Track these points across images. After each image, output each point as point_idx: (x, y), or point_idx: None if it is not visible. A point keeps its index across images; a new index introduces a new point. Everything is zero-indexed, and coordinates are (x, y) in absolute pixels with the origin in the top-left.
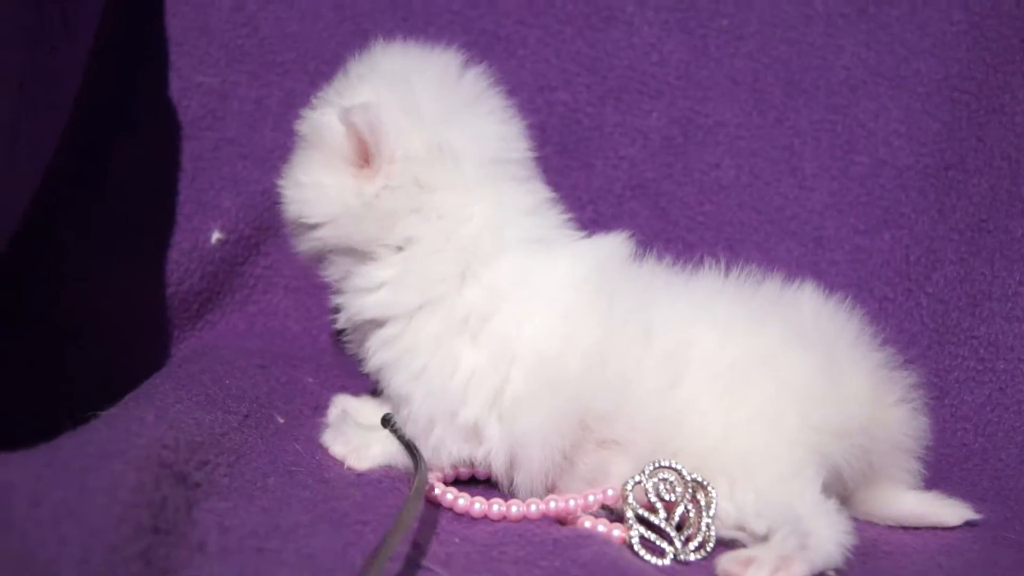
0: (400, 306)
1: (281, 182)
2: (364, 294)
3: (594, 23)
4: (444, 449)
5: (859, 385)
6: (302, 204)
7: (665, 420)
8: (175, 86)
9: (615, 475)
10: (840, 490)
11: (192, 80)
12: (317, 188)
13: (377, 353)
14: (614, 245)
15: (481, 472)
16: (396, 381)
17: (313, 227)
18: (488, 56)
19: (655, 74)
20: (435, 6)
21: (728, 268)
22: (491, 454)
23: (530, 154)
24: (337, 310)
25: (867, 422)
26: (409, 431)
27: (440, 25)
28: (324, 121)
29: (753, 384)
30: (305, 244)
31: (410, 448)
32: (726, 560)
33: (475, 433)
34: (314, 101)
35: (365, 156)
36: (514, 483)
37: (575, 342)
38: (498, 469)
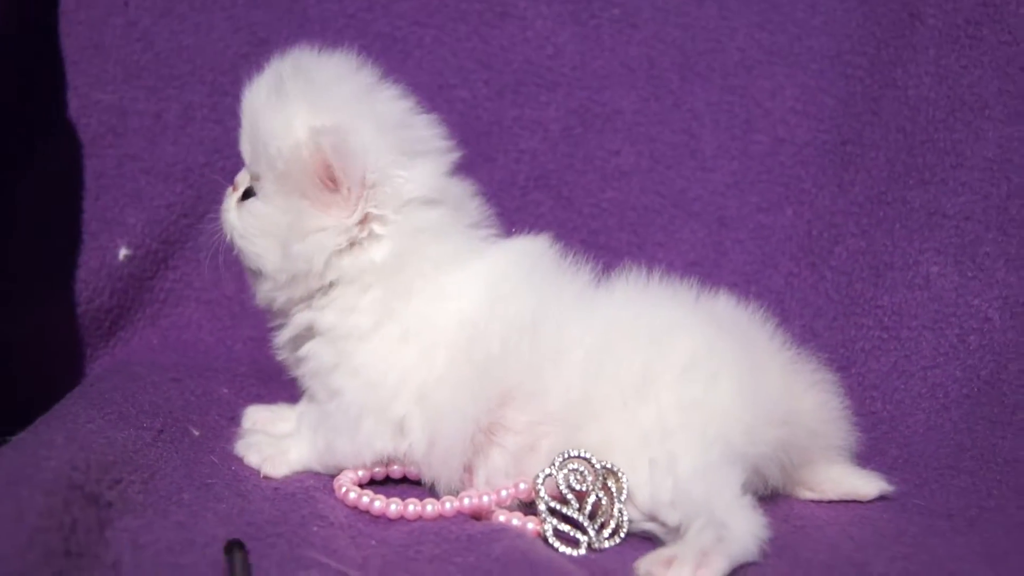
0: (366, 323)
1: (234, 227)
2: (328, 312)
3: (488, 20)
4: (370, 446)
5: (777, 380)
6: (267, 257)
7: (595, 400)
8: (74, 105)
9: (544, 453)
10: (760, 487)
11: (91, 98)
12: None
13: (317, 354)
14: (541, 241)
15: (396, 471)
16: (332, 376)
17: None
18: (386, 58)
19: (551, 67)
20: (329, 11)
21: (648, 274)
22: (413, 445)
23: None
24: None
25: (786, 415)
26: (335, 422)
27: (336, 29)
28: (283, 149)
29: (684, 371)
30: (273, 294)
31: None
32: (647, 562)
33: (400, 427)
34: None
35: (331, 182)
36: (431, 464)
37: (501, 309)
38: (419, 459)
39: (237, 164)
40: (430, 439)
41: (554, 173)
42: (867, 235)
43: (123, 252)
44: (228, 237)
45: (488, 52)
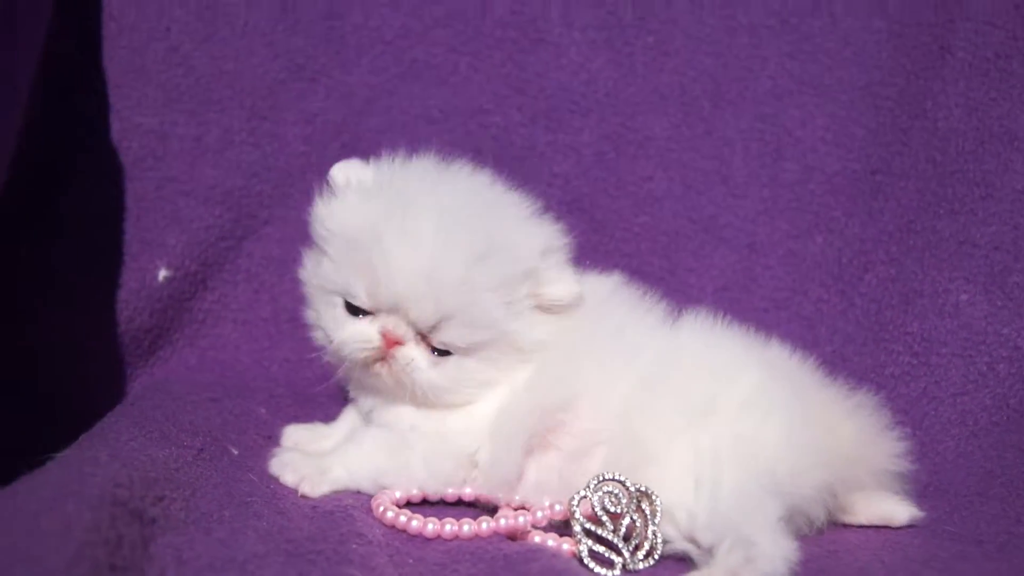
0: None
1: (432, 383)
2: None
3: (523, 46)
4: (444, 479)
5: (826, 423)
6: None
7: (659, 419)
8: (115, 128)
9: (598, 461)
10: (805, 527)
11: (132, 122)
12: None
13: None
14: (616, 277)
15: (433, 495)
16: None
17: None
18: (421, 84)
19: (584, 93)
20: (367, 38)
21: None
22: (480, 465)
23: None
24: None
25: (834, 457)
26: (416, 454)
27: (373, 56)
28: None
29: (743, 406)
30: None
31: None
32: None
33: (474, 461)
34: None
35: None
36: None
37: (566, 332)
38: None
39: (276, 188)
40: (493, 455)
41: (587, 197)
42: (897, 263)
43: (163, 273)
44: (409, 386)
45: (523, 78)
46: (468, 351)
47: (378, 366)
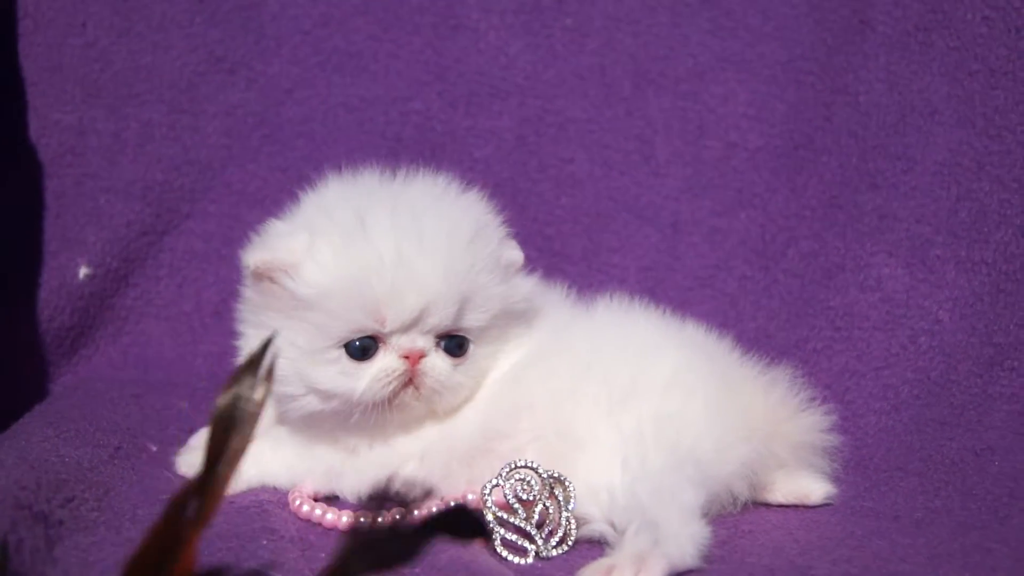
0: None
1: (461, 386)
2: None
3: (441, 32)
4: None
5: (749, 399)
6: None
7: (582, 406)
8: (33, 126)
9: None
10: (729, 504)
11: (50, 119)
12: None
13: None
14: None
15: None
16: None
17: None
18: (341, 73)
19: (503, 77)
20: (285, 28)
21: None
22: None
23: None
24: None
25: (755, 431)
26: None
27: (292, 46)
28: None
29: (666, 386)
30: None
31: None
32: (588, 572)
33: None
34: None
35: None
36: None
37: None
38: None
39: (197, 182)
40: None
41: (508, 182)
42: (819, 238)
43: (83, 271)
44: (438, 399)
45: (441, 64)
46: (481, 334)
47: (403, 394)
